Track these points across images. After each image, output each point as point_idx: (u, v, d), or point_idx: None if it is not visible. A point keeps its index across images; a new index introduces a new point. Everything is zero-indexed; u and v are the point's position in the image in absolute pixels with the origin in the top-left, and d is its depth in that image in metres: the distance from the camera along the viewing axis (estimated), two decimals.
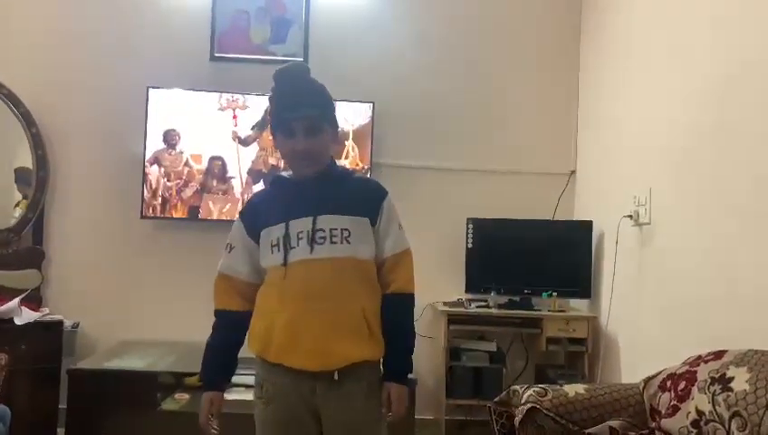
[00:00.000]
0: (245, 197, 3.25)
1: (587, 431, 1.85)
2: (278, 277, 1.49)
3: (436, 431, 3.15)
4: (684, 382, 1.80)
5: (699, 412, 1.68)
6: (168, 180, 3.26)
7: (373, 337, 1.52)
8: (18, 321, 2.88)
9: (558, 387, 2.00)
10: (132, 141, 3.29)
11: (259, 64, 3.38)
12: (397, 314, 1.58)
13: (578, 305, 3.32)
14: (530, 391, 1.96)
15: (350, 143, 3.32)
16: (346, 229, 1.51)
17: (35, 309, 3.07)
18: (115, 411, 2.68)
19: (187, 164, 3.27)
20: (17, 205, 3.27)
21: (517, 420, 1.93)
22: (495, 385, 3.01)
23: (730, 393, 1.60)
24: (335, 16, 3.48)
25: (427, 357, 3.26)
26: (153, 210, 3.26)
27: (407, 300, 1.61)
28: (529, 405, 1.91)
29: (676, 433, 1.76)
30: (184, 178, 3.27)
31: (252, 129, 3.30)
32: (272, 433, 1.52)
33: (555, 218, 3.46)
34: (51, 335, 2.98)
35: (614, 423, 1.87)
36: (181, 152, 3.27)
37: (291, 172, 1.63)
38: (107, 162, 3.36)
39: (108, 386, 2.71)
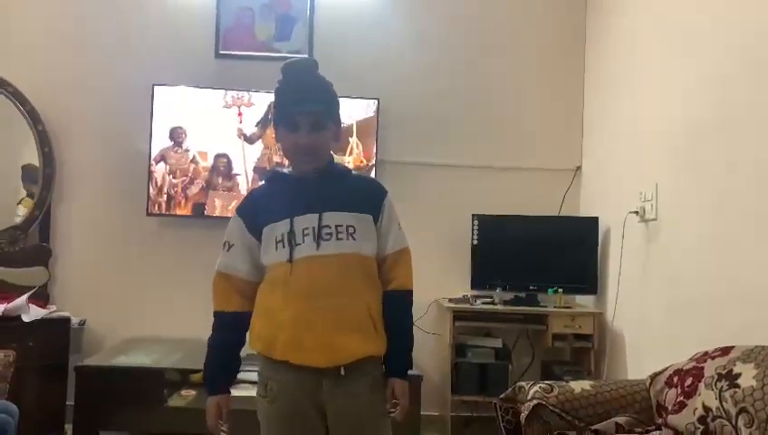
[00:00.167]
0: None
1: (593, 428, 1.85)
2: (283, 274, 1.48)
3: (442, 428, 3.16)
4: (690, 378, 1.80)
5: (706, 408, 1.68)
6: (173, 178, 3.27)
7: (378, 333, 1.53)
8: (26, 318, 2.89)
9: (564, 383, 2.00)
10: (138, 139, 3.30)
11: (264, 61, 3.39)
12: (399, 310, 1.61)
13: (584, 302, 3.32)
14: (536, 388, 1.96)
15: (354, 140, 3.32)
16: (351, 226, 1.51)
17: (43, 306, 3.08)
18: (122, 408, 2.70)
19: (193, 161, 3.28)
20: (20, 202, 3.28)
21: (523, 416, 1.93)
22: (501, 381, 3.01)
23: (737, 389, 1.60)
24: (339, 13, 3.47)
25: (433, 354, 3.27)
26: (159, 207, 3.27)
27: (408, 297, 1.63)
28: (535, 401, 1.91)
29: (682, 429, 1.76)
30: (189, 175, 3.28)
31: (255, 125, 3.30)
32: (278, 431, 1.51)
33: (561, 214, 3.45)
34: (58, 332, 3.00)
35: (620, 419, 1.87)
36: (187, 150, 3.28)
37: (290, 168, 1.62)
38: (113, 160, 3.37)
39: (115, 383, 2.72)
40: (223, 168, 3.30)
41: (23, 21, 3.35)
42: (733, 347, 1.76)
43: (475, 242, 3.28)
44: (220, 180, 3.30)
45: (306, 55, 3.38)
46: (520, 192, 3.44)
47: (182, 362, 2.89)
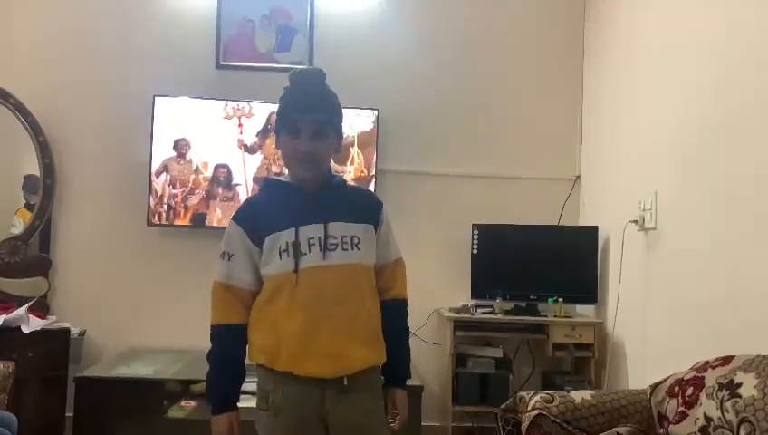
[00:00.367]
0: None
1: None
2: (288, 284, 1.47)
3: None
4: (691, 388, 1.80)
5: (707, 418, 1.67)
6: (173, 188, 3.27)
7: (379, 342, 1.54)
8: (25, 329, 2.89)
9: (565, 393, 1.99)
10: (139, 149, 3.31)
11: (264, 72, 3.41)
12: (398, 320, 1.62)
13: (584, 311, 3.31)
14: (536, 398, 1.95)
15: (354, 150, 3.33)
16: (356, 236, 1.52)
17: (42, 317, 3.08)
18: (122, 419, 2.68)
19: (196, 171, 3.29)
20: (17, 212, 3.28)
21: (524, 426, 1.93)
22: (502, 391, 2.99)
23: (738, 399, 1.60)
24: (339, 25, 3.50)
25: (433, 363, 3.26)
26: (159, 218, 3.28)
27: (405, 306, 1.65)
28: (536, 411, 1.90)
29: None
30: (190, 185, 3.29)
31: (256, 135, 3.31)
32: None
33: (560, 224, 3.45)
34: (58, 343, 2.99)
35: (621, 430, 1.86)
36: (190, 161, 3.28)
37: (287, 176, 1.62)
38: (113, 170, 3.38)
39: (114, 394, 2.71)
40: (223, 178, 3.30)
41: (25, 33, 3.37)
42: (734, 357, 1.76)
43: (475, 251, 3.28)
44: (220, 190, 3.30)
45: (307, 66, 3.41)
46: (520, 201, 3.45)
47: (182, 372, 2.89)
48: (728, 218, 2.15)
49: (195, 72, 3.42)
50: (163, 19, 3.44)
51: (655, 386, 1.98)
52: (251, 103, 3.31)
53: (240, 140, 3.30)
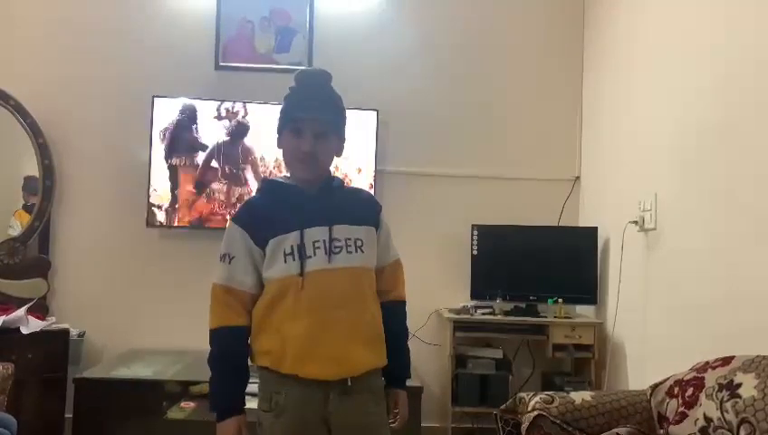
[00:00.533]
0: None
1: None
2: (293, 287, 1.45)
3: None
4: (691, 389, 1.79)
5: (707, 419, 1.67)
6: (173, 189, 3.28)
7: (381, 344, 1.54)
8: (24, 330, 2.88)
9: (564, 394, 1.99)
10: (138, 150, 3.31)
11: (264, 73, 3.41)
12: (399, 321, 1.63)
13: (584, 312, 3.31)
14: (536, 398, 1.95)
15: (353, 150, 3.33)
16: (359, 239, 1.51)
17: (41, 318, 3.08)
18: (121, 420, 2.68)
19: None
20: (14, 213, 3.28)
21: (524, 427, 1.92)
22: (502, 392, 2.99)
23: (738, 400, 1.60)
24: (339, 26, 3.50)
25: (433, 365, 3.26)
26: (158, 219, 3.28)
27: (404, 307, 1.66)
28: (536, 412, 1.90)
29: None
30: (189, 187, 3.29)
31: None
32: None
33: (560, 225, 3.45)
34: (57, 344, 2.99)
35: (621, 430, 1.86)
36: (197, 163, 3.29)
37: (288, 177, 1.60)
38: (112, 171, 3.38)
39: (114, 395, 2.71)
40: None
41: (24, 35, 3.37)
42: (733, 357, 1.75)
43: (475, 252, 3.28)
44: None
45: (306, 67, 3.41)
46: (519, 202, 3.45)
47: (182, 373, 2.88)
48: (728, 219, 2.15)
49: (194, 72, 3.42)
50: (162, 20, 3.44)
51: (655, 387, 1.98)
52: (249, 104, 3.31)
53: None
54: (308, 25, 3.46)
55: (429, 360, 3.24)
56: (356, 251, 1.50)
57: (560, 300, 3.14)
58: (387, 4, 3.52)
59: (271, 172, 3.30)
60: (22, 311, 2.95)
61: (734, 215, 2.12)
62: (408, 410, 1.60)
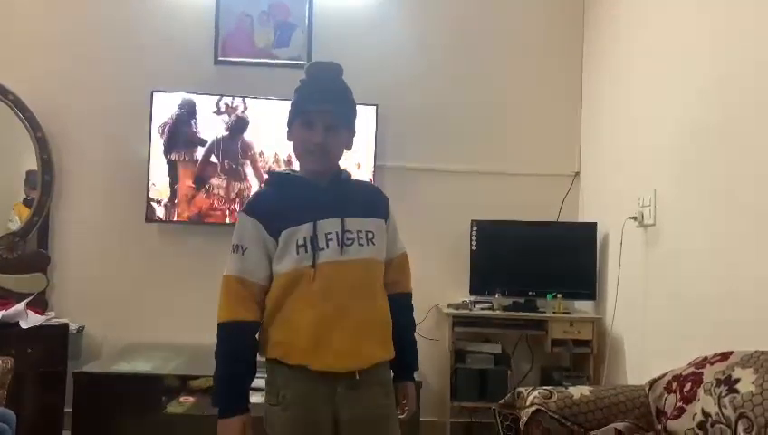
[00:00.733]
0: None
1: (592, 433, 1.85)
2: (305, 279, 1.44)
3: (442, 434, 3.15)
4: (689, 384, 1.80)
5: (705, 414, 1.67)
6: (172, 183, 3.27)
7: (389, 337, 1.55)
8: (24, 324, 2.89)
9: (563, 389, 2.00)
10: (137, 145, 3.31)
11: (263, 68, 3.40)
12: (406, 313, 1.66)
13: (583, 307, 3.32)
14: (535, 393, 1.95)
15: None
16: (371, 231, 1.52)
17: (41, 313, 3.08)
18: (120, 414, 2.69)
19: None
20: (14, 206, 3.28)
21: (522, 422, 1.93)
22: (500, 387, 3.00)
23: (736, 395, 1.60)
24: (338, 20, 3.49)
25: (432, 359, 3.26)
26: (158, 214, 3.27)
27: (410, 299, 1.69)
28: (534, 407, 1.91)
29: None
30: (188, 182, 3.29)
31: None
32: None
33: (559, 220, 3.45)
34: (56, 339, 2.99)
35: (619, 425, 1.86)
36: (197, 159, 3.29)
37: (295, 170, 1.61)
38: (112, 166, 3.37)
39: (113, 389, 2.72)
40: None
41: (23, 29, 3.36)
42: (732, 352, 1.76)
43: (474, 247, 3.28)
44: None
45: (305, 62, 3.41)
46: (519, 198, 3.44)
47: (181, 368, 2.89)
48: (727, 215, 2.15)
49: (193, 67, 3.41)
50: (161, 14, 3.43)
51: (653, 382, 1.99)
52: (248, 99, 3.30)
53: None
54: (307, 20, 3.45)
55: (428, 355, 3.24)
56: (367, 244, 1.50)
57: (559, 295, 3.14)
58: None
59: (270, 167, 3.29)
60: (21, 305, 2.95)
61: (732, 211, 2.12)
62: (415, 402, 1.62)
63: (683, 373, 1.86)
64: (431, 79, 3.51)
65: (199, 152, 3.29)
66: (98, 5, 3.41)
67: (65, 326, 3.04)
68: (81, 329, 3.18)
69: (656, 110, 2.68)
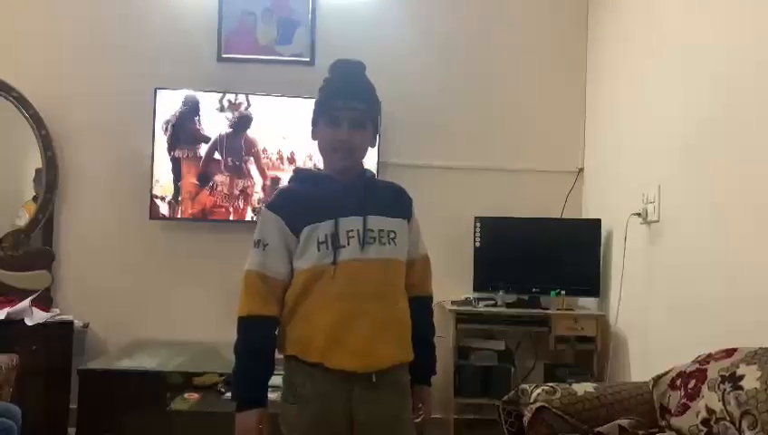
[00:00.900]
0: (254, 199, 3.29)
1: (596, 430, 1.85)
2: (325, 276, 1.44)
3: (445, 431, 3.15)
4: (694, 381, 1.80)
5: (710, 411, 1.67)
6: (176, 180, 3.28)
7: (408, 339, 1.53)
8: (29, 321, 2.90)
9: (567, 386, 2.00)
10: (140, 142, 3.31)
11: (266, 65, 3.40)
12: (426, 316, 1.63)
13: (586, 304, 3.31)
14: (539, 390, 1.95)
15: None
16: (392, 231, 1.51)
17: (46, 310, 3.09)
18: (125, 411, 2.70)
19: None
20: (24, 204, 3.29)
21: (526, 419, 1.93)
22: (504, 384, 3.00)
23: (740, 392, 1.60)
24: (341, 17, 3.48)
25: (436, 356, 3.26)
26: (161, 211, 3.28)
27: (431, 303, 1.67)
28: (538, 404, 1.91)
29: (686, 432, 1.75)
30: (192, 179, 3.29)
31: None
32: None
33: (563, 217, 3.44)
34: (61, 336, 3.00)
35: (623, 422, 1.86)
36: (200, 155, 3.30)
37: (319, 168, 1.60)
38: (115, 163, 3.38)
39: (118, 386, 2.73)
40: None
41: (26, 26, 3.36)
42: (736, 349, 1.75)
43: (478, 244, 3.28)
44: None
45: (308, 59, 3.41)
46: (522, 194, 3.44)
47: (185, 365, 2.90)
48: (731, 210, 2.14)
49: (196, 64, 3.41)
50: (165, 12, 3.43)
51: (657, 378, 1.98)
52: (252, 96, 3.30)
53: None
54: (310, 17, 3.45)
55: None
56: (389, 243, 1.49)
57: (562, 292, 3.14)
58: None
59: (273, 163, 3.30)
60: (26, 302, 2.96)
61: (737, 207, 2.11)
62: (432, 406, 1.60)
63: (687, 370, 1.86)
64: (434, 75, 3.50)
65: (203, 149, 3.29)
66: (102, 3, 3.41)
67: (70, 323, 3.06)
68: (85, 326, 3.19)
69: (660, 105, 2.67)
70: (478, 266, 3.27)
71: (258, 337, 1.47)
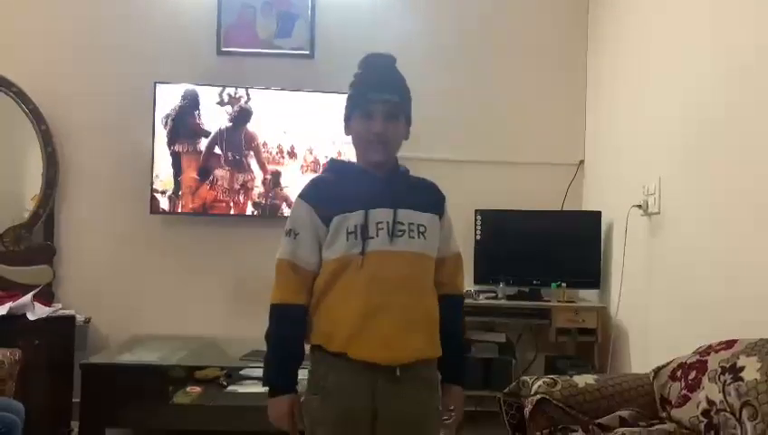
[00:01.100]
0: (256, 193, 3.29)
1: (597, 422, 1.86)
2: (353, 266, 1.44)
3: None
4: (694, 372, 1.80)
5: (710, 402, 1.68)
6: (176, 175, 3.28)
7: (435, 335, 1.52)
8: (31, 316, 2.90)
9: (568, 377, 2.00)
10: (140, 136, 3.31)
11: (265, 58, 3.39)
12: (457, 314, 1.61)
13: (587, 296, 3.32)
14: (539, 382, 1.96)
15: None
16: (422, 225, 1.51)
17: (47, 305, 3.09)
18: (127, 405, 2.71)
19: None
20: (32, 198, 3.28)
21: (527, 410, 1.94)
22: (505, 376, 3.01)
23: (741, 383, 1.60)
24: (341, 10, 3.47)
25: None
26: (162, 205, 3.28)
27: (462, 301, 1.65)
28: (539, 396, 1.91)
29: (686, 423, 1.76)
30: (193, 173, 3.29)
31: None
32: (327, 429, 1.45)
33: (564, 209, 3.44)
34: (63, 330, 3.01)
35: (624, 413, 1.87)
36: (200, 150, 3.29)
37: (355, 159, 1.60)
38: (116, 158, 3.38)
39: (120, 380, 2.73)
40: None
41: (26, 21, 3.35)
42: (737, 341, 1.76)
43: (479, 237, 3.28)
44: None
45: (308, 52, 3.40)
46: (523, 187, 3.43)
47: (187, 359, 2.91)
48: (732, 202, 2.14)
49: (196, 58, 3.40)
50: (164, 6, 3.42)
51: (658, 370, 1.99)
52: (251, 89, 3.29)
53: None
54: (310, 10, 3.43)
55: None
56: (418, 237, 1.49)
57: (563, 284, 3.15)
58: None
59: (273, 158, 3.30)
60: (28, 297, 2.96)
61: (737, 198, 2.11)
62: (462, 408, 1.58)
63: (687, 361, 1.87)
64: (434, 69, 3.48)
65: (203, 143, 3.29)
66: None
67: (72, 318, 3.06)
68: (87, 320, 3.20)
69: (660, 97, 2.67)
70: (479, 259, 3.27)
71: (287, 325, 1.49)
